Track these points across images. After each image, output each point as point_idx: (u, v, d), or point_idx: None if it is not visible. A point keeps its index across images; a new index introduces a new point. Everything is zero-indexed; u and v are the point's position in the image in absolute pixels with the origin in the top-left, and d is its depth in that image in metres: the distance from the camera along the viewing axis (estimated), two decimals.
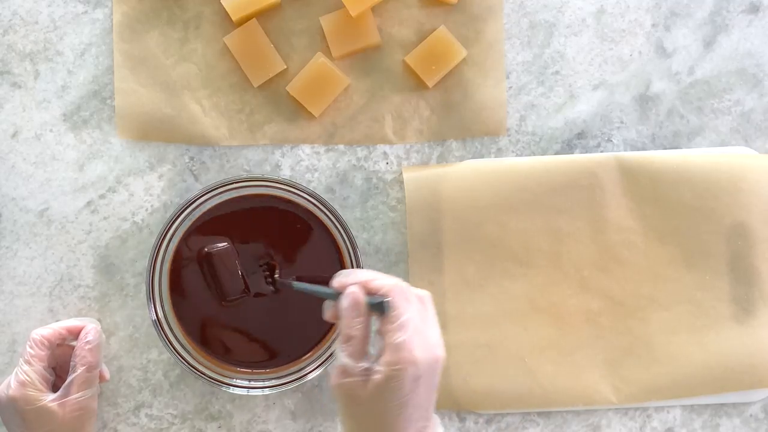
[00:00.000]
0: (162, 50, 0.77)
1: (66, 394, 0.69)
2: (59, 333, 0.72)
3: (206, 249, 0.74)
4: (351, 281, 0.62)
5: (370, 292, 0.61)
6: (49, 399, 0.69)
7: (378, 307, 0.60)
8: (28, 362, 0.70)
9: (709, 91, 0.79)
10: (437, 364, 0.60)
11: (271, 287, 0.74)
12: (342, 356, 0.60)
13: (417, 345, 0.59)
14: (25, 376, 0.69)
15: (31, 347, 0.70)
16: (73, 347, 0.71)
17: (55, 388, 0.70)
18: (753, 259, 0.76)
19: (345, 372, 0.60)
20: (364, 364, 0.60)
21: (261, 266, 0.74)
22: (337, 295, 0.62)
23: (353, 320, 0.61)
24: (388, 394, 0.59)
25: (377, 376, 0.59)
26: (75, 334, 0.72)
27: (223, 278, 0.73)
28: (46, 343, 0.70)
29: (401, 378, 0.59)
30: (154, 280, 0.72)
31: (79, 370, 0.69)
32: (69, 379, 0.69)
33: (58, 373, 0.73)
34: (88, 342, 0.71)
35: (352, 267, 0.72)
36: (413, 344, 0.59)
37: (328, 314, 0.65)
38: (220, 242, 0.74)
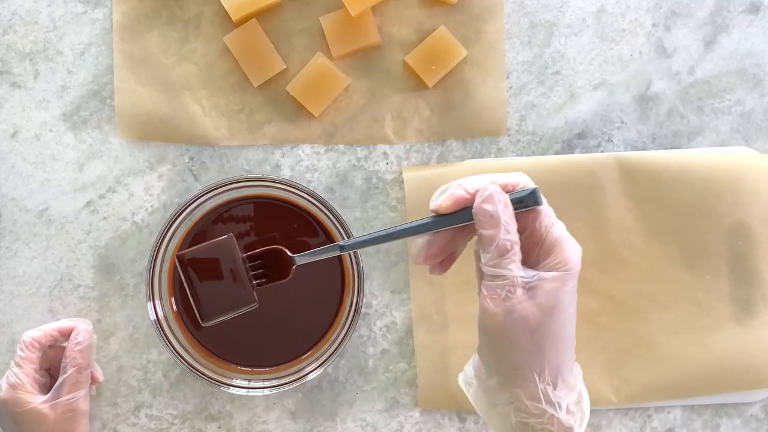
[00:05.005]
0: (162, 50, 0.77)
1: (56, 396, 0.69)
2: (50, 335, 0.71)
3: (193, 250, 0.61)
4: (473, 186, 0.51)
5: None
6: (39, 401, 0.69)
7: (531, 198, 0.51)
8: (18, 364, 0.70)
9: (710, 91, 0.79)
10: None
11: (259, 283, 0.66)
12: (510, 270, 0.50)
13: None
14: (16, 378, 0.69)
15: (21, 349, 0.70)
16: (65, 348, 0.71)
17: (49, 390, 0.70)
18: (753, 259, 0.76)
19: (513, 288, 0.50)
20: (534, 272, 0.50)
21: (255, 262, 0.65)
22: (435, 224, 0.53)
23: (510, 222, 0.51)
24: (566, 300, 0.50)
25: (551, 284, 0.50)
26: (67, 335, 0.72)
27: (226, 288, 0.64)
28: (36, 345, 0.70)
29: (575, 277, 0.51)
30: (154, 280, 0.72)
31: (69, 371, 0.69)
32: (59, 380, 0.69)
33: (52, 374, 0.73)
34: (78, 343, 0.70)
35: (352, 267, 0.72)
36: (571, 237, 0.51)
37: (428, 251, 0.54)
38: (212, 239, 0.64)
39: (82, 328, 0.71)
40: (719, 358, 0.76)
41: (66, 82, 0.78)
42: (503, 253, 0.51)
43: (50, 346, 0.72)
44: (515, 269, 0.51)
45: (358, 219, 0.78)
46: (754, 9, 0.80)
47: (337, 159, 0.78)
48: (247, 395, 0.77)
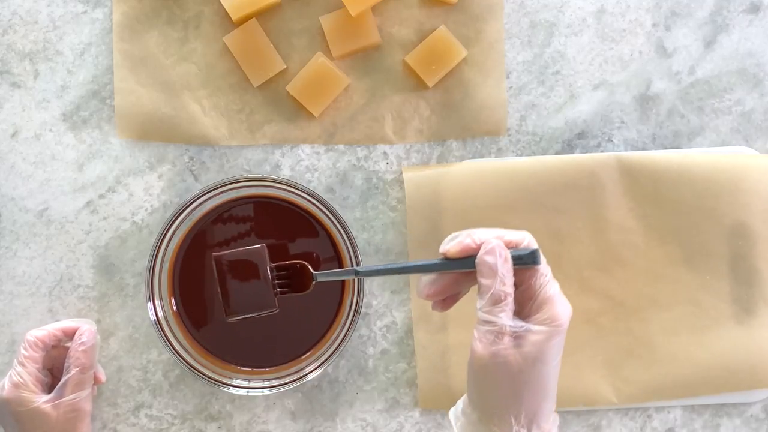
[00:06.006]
0: (162, 50, 0.77)
1: (59, 396, 0.69)
2: (53, 334, 0.71)
3: (231, 252, 0.68)
4: (480, 238, 0.56)
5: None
6: (42, 401, 0.68)
7: (530, 257, 0.56)
8: (21, 364, 0.70)
9: (710, 90, 0.79)
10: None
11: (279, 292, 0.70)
12: (500, 318, 0.55)
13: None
14: (19, 377, 0.69)
15: (24, 349, 0.70)
16: (68, 348, 0.71)
17: (51, 390, 0.70)
18: (754, 259, 0.76)
19: (501, 335, 0.54)
20: (522, 324, 0.55)
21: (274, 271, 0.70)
22: (442, 265, 0.58)
23: (506, 276, 0.55)
24: (549, 353, 0.54)
25: (537, 336, 0.54)
26: (70, 335, 0.72)
27: (252, 289, 0.69)
28: (40, 344, 0.70)
29: (561, 334, 0.55)
30: (153, 280, 0.72)
31: (73, 371, 0.69)
32: (62, 380, 0.69)
33: (54, 374, 0.73)
34: (82, 343, 0.70)
35: (352, 267, 0.72)
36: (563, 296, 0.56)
37: (432, 288, 0.59)
38: (250, 244, 0.70)
39: (86, 329, 0.71)
40: (719, 358, 0.76)
41: (66, 82, 0.78)
42: (496, 302, 0.55)
43: (53, 346, 0.72)
44: (505, 318, 0.55)
45: (358, 219, 0.78)
46: (754, 9, 0.79)
47: (337, 159, 0.78)
48: (247, 395, 0.77)
